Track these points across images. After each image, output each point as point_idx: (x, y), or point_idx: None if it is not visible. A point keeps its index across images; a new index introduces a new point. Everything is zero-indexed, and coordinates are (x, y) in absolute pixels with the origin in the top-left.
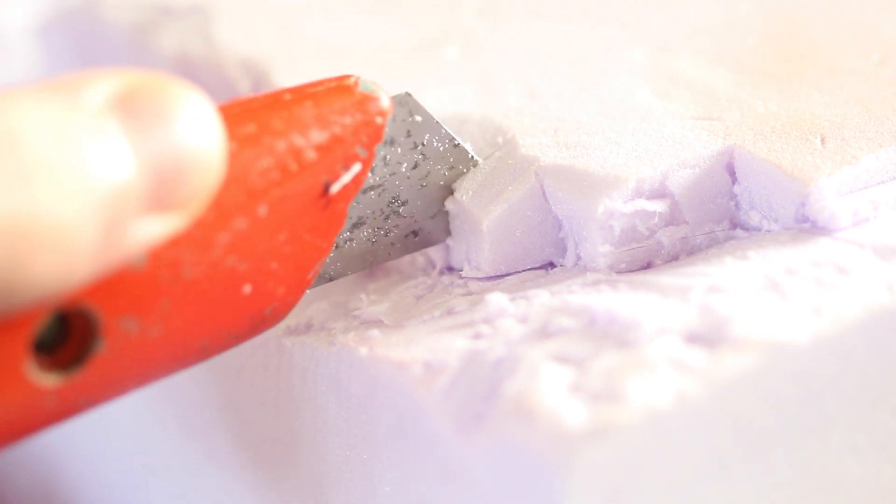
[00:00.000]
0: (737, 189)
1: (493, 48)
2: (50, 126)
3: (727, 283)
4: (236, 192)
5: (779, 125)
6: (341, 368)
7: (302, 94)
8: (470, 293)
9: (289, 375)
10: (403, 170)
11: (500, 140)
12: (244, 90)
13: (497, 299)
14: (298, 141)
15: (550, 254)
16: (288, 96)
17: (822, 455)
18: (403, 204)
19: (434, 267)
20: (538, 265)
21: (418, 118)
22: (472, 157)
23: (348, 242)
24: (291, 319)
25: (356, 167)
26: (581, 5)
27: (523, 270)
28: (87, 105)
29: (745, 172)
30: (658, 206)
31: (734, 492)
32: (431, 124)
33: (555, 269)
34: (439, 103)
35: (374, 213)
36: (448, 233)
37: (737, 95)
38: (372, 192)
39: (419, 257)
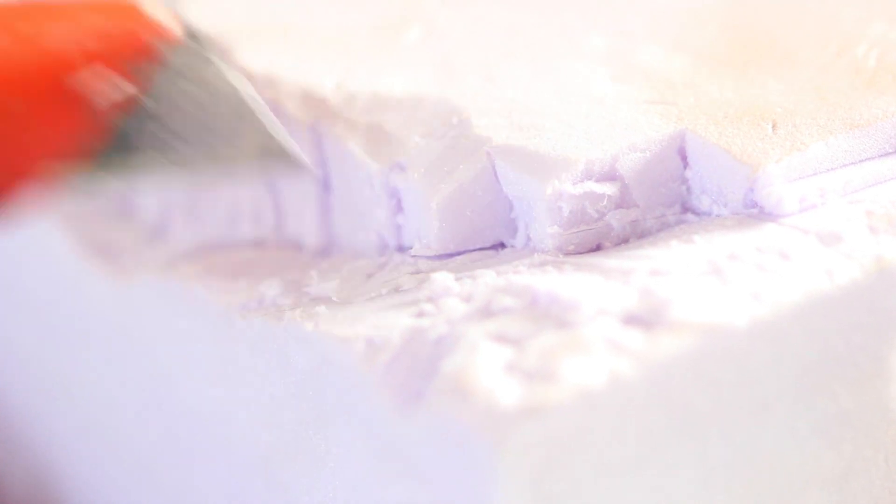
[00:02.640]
0: (688, 173)
1: (454, 32)
2: None
3: (670, 266)
4: None
5: (731, 111)
6: (289, 344)
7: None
8: (419, 272)
9: (239, 349)
10: (189, 108)
11: (454, 120)
12: None
13: (442, 278)
14: (42, 28)
15: (501, 234)
16: None
17: (759, 439)
18: (185, 141)
19: (387, 246)
20: (489, 245)
21: (212, 58)
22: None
23: (121, 166)
24: (243, 296)
25: (115, 80)
26: None
27: (474, 250)
28: None
29: (696, 157)
30: (607, 189)
31: (667, 472)
32: (222, 67)
33: (505, 250)
34: (398, 85)
35: (152, 141)
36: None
37: (693, 81)
38: (151, 122)
39: (372, 235)
